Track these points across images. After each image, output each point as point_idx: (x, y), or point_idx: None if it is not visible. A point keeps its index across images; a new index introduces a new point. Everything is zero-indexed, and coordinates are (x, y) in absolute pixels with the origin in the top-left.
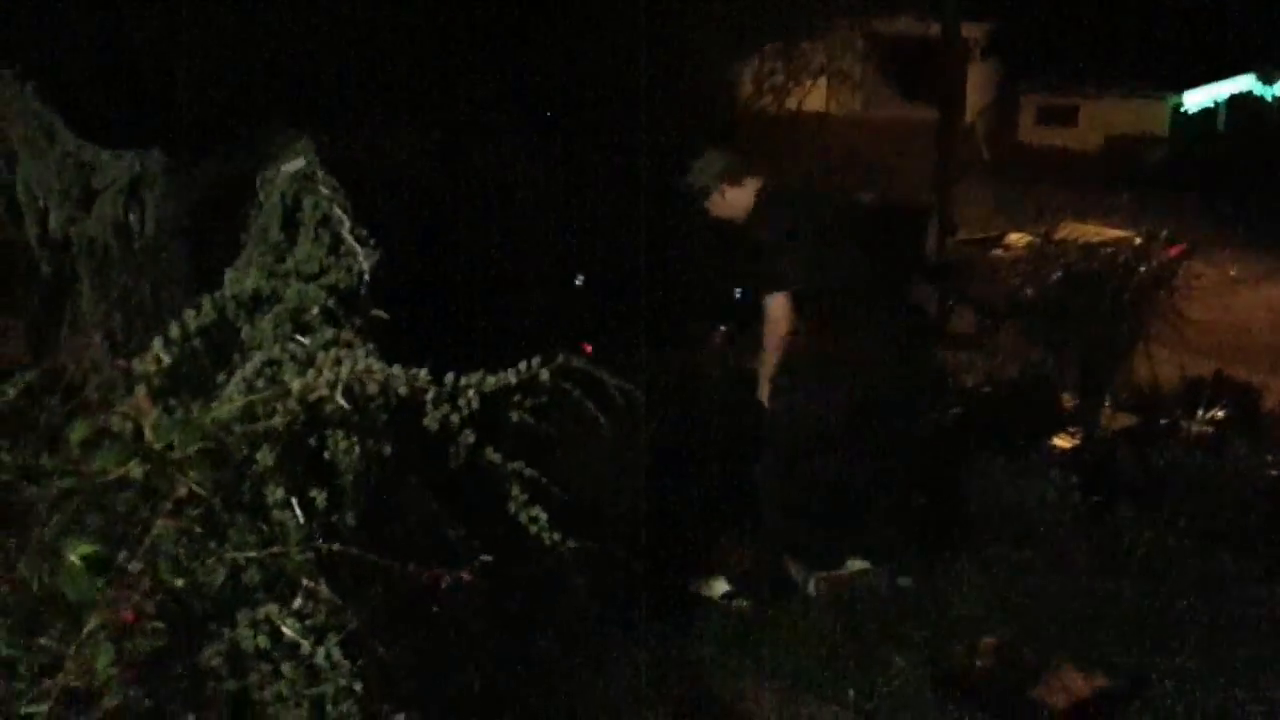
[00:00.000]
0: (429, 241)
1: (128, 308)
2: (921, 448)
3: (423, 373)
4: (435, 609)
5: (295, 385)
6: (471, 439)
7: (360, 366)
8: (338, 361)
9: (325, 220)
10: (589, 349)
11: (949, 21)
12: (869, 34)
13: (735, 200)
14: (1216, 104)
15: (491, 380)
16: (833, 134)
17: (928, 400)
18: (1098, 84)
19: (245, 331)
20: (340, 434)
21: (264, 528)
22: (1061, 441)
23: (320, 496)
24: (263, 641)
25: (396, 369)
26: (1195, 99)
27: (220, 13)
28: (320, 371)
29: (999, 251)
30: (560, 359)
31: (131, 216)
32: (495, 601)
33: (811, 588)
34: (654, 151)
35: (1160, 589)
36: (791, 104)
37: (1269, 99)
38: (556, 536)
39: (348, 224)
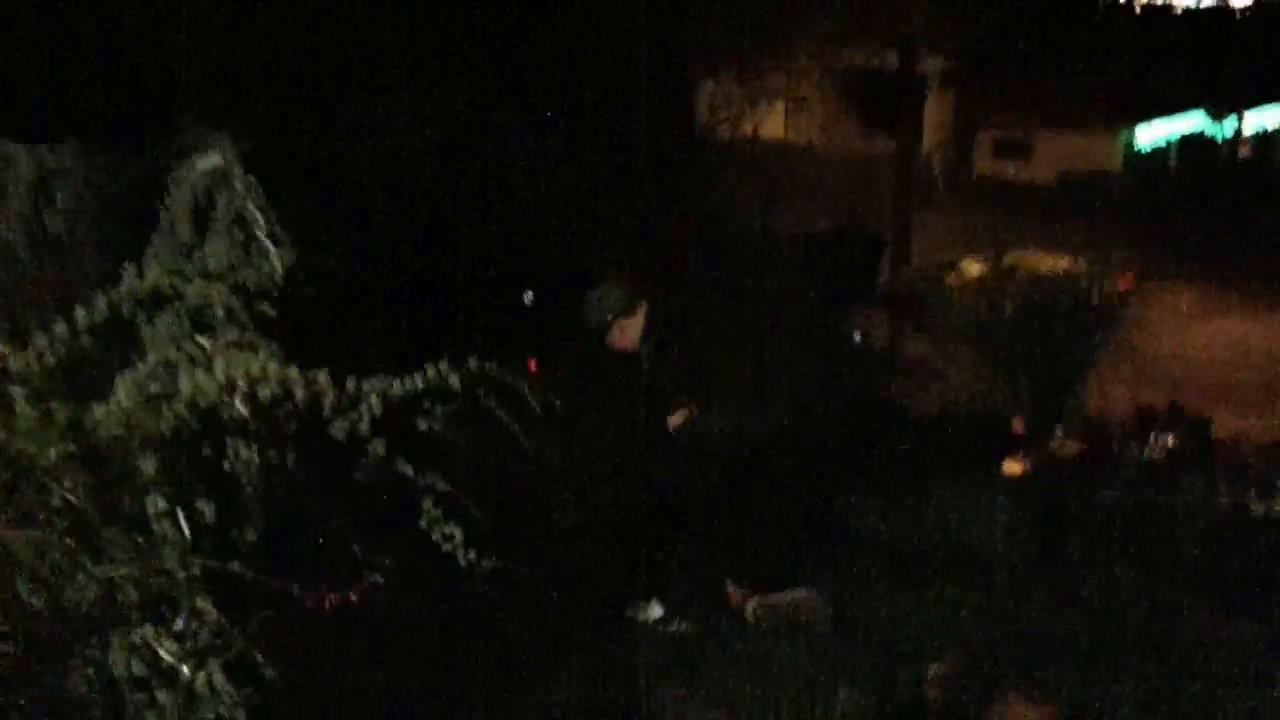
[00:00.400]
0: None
1: (34, 306)
2: (870, 473)
3: (322, 376)
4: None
5: (185, 387)
6: (381, 450)
7: (255, 369)
8: (232, 365)
9: (239, 219)
10: (533, 364)
11: (907, 55)
12: (828, 65)
13: (630, 333)
14: (1168, 141)
15: (397, 385)
16: (790, 163)
17: (875, 425)
18: (1053, 119)
19: (145, 332)
20: (240, 442)
21: (142, 541)
22: (1012, 467)
23: (209, 509)
24: (137, 667)
25: (293, 371)
26: (1147, 135)
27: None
28: (214, 374)
29: (951, 280)
30: (472, 365)
31: (43, 212)
32: (414, 625)
33: (750, 612)
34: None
35: (1108, 618)
36: (748, 131)
37: (1219, 138)
38: (471, 556)
39: (263, 222)
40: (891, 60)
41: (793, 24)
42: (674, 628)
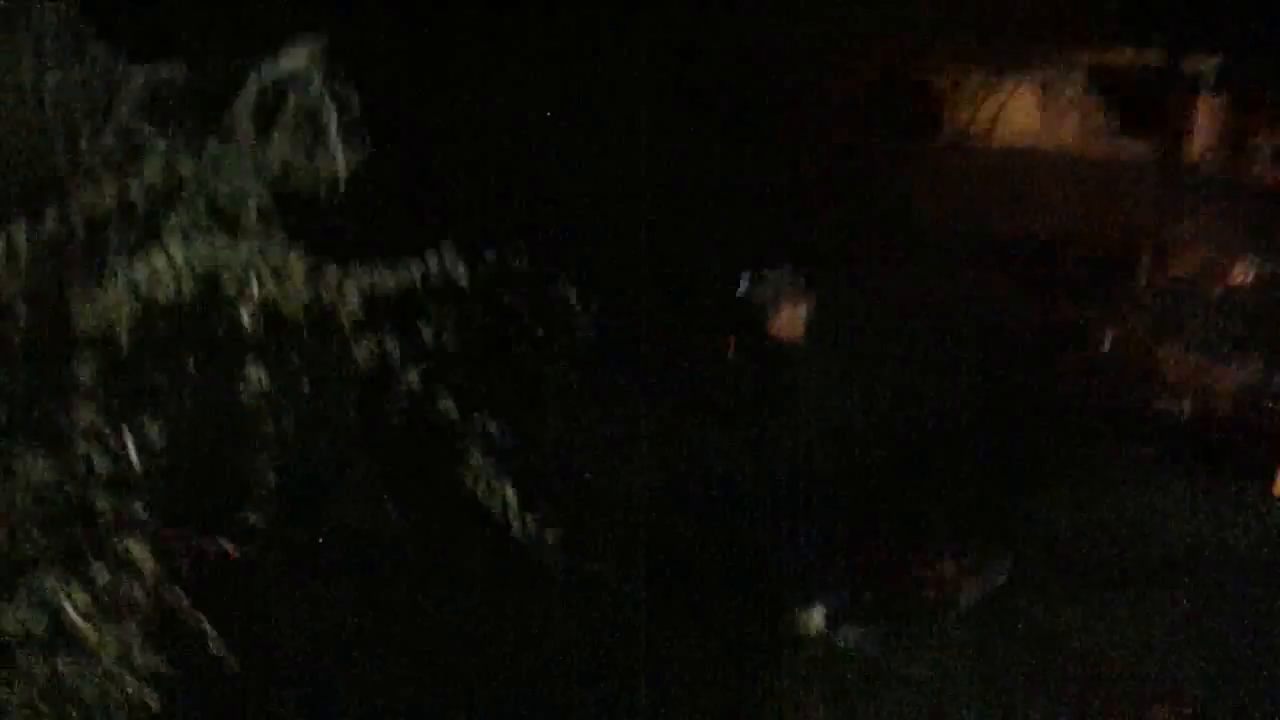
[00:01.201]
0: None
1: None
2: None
3: (293, 257)
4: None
5: (141, 278)
6: (416, 382)
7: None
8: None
9: (311, 118)
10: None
11: (1174, 54)
12: (1088, 64)
13: (795, 322)
14: None
15: (389, 276)
16: (1043, 167)
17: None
18: None
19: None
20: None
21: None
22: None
23: (154, 428)
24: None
25: (293, 257)
26: None
27: None
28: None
29: (1218, 289)
30: (492, 257)
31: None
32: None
33: None
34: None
35: None
36: (1003, 134)
37: None
38: (530, 524)
39: (336, 121)
40: (1160, 58)
41: (1053, 16)
42: (845, 633)
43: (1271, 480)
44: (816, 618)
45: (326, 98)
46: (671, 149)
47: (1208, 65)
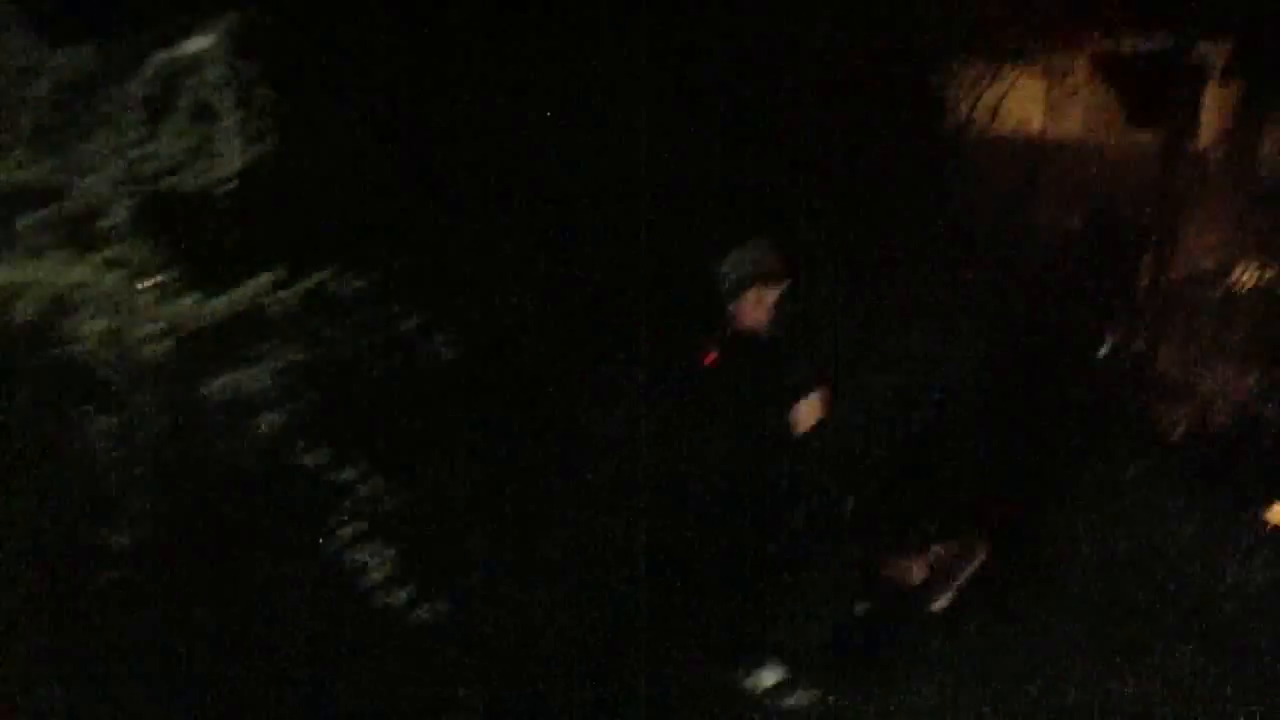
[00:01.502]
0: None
1: None
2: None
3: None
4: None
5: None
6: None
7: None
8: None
9: (206, 109)
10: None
11: (1183, 40)
12: (1093, 50)
13: (762, 307)
14: None
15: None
16: (1048, 155)
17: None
18: None
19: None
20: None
21: None
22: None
23: None
24: None
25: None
26: None
27: None
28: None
29: (1224, 286)
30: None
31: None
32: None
33: None
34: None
35: None
36: (1006, 121)
37: None
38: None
39: (235, 114)
40: (1168, 44)
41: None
42: (795, 699)
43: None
44: (767, 677)
45: (229, 85)
46: (670, 149)
47: (1218, 51)
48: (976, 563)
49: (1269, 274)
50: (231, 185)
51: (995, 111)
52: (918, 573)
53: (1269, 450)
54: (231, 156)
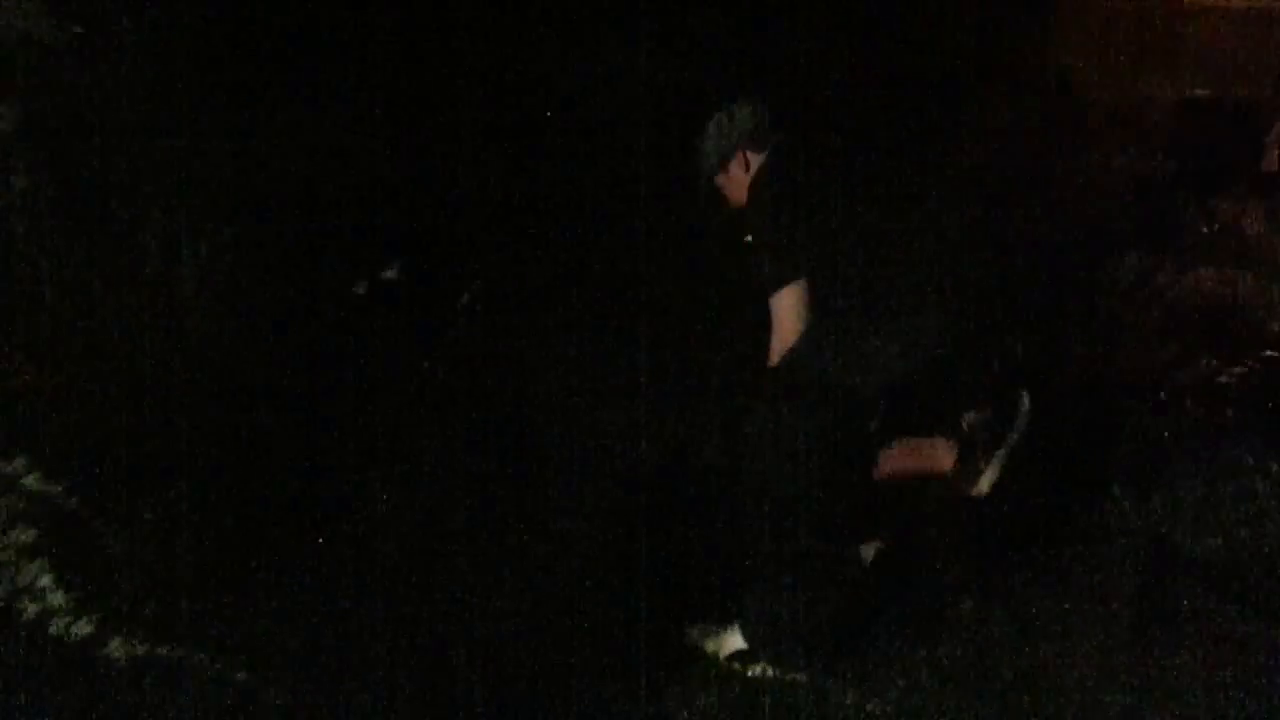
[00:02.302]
0: None
1: None
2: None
3: None
4: None
5: None
6: None
7: None
8: None
9: None
10: None
11: None
12: None
13: (741, 182)
14: None
15: None
16: (1169, 19)
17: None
18: None
19: None
20: None
21: None
22: None
23: None
24: None
25: None
26: None
27: None
28: None
29: None
30: None
31: None
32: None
33: None
34: None
35: None
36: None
37: None
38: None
39: None
40: None
41: None
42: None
43: None
44: (733, 639)
45: None
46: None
47: None
48: (1023, 420)
49: None
50: None
51: None
52: (944, 457)
53: None
54: None
